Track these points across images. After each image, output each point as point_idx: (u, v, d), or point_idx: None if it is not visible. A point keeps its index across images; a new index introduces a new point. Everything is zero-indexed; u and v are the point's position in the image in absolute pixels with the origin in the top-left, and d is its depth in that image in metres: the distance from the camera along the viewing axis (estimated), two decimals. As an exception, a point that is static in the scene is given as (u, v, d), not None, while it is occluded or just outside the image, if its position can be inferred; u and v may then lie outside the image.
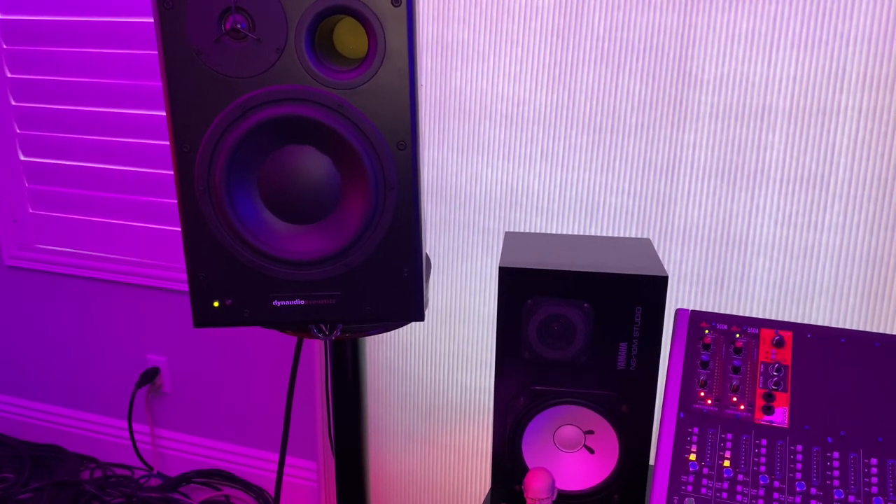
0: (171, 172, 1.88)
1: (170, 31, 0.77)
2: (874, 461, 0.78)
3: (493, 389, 1.57)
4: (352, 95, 0.80)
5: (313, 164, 0.84)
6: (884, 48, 1.17)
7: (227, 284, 0.86)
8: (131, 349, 2.09)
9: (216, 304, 0.86)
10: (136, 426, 2.13)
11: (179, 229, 1.91)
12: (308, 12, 0.77)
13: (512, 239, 1.04)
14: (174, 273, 1.96)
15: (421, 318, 0.89)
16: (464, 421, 1.62)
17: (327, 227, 0.85)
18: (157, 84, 1.83)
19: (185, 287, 1.95)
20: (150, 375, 2.05)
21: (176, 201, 1.90)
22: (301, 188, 0.84)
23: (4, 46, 1.93)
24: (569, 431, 0.97)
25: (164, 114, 1.85)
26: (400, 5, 0.77)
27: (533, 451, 0.98)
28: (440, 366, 1.61)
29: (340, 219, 0.85)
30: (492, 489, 1.00)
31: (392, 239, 0.85)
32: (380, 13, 0.77)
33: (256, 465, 2.06)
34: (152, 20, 1.77)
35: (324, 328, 0.94)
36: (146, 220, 1.96)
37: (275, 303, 0.87)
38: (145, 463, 2.13)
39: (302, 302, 0.87)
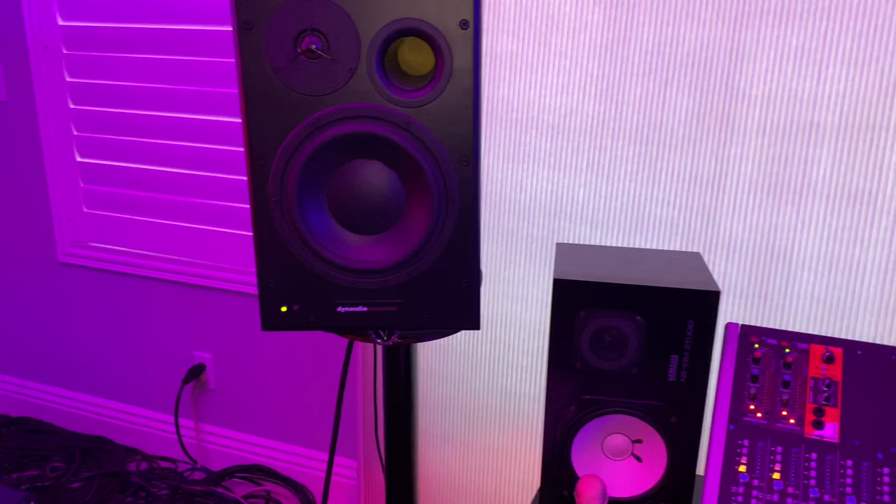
0: (221, 175, 1.94)
1: (249, 50, 0.81)
2: (924, 478, 0.80)
3: (532, 395, 1.60)
4: (418, 113, 0.84)
5: (379, 177, 0.87)
6: (936, 66, 1.18)
7: (295, 290, 0.90)
8: (178, 346, 2.15)
9: (284, 308, 0.90)
10: (181, 420, 2.20)
11: (227, 230, 1.97)
12: (380, 34, 0.81)
13: (564, 250, 1.06)
14: (222, 273, 2.02)
15: (477, 326, 0.93)
16: (504, 425, 1.64)
17: (391, 237, 0.89)
18: (209, 90, 1.89)
19: (232, 286, 2.01)
20: (196, 372, 2.11)
21: (223, 203, 1.96)
22: (367, 200, 0.88)
23: (65, 52, 2.00)
24: (617, 440, 1.00)
25: (215, 118, 1.91)
26: (468, 28, 0.80)
27: (581, 457, 1.01)
28: (482, 370, 1.64)
29: (404, 230, 0.89)
30: (540, 494, 1.03)
31: (452, 250, 0.89)
32: (448, 35, 0.81)
33: (297, 461, 2.11)
34: (206, 28, 1.83)
35: (382, 334, 0.98)
36: (195, 221, 2.02)
37: (339, 309, 0.91)
38: (189, 457, 2.19)
39: (364, 308, 0.91)
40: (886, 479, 0.80)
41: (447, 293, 0.91)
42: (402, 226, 0.89)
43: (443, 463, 1.72)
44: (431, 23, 0.80)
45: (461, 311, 0.92)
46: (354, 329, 0.95)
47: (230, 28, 1.83)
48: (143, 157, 2.02)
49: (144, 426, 2.27)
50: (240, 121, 1.89)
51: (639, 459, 1.00)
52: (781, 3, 1.25)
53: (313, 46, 0.81)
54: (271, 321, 0.91)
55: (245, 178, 1.92)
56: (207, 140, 1.94)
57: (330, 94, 0.83)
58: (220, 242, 2.01)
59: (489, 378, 1.63)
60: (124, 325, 2.21)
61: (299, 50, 0.81)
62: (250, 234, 1.97)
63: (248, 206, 1.95)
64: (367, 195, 0.88)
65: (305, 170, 0.85)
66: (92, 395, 2.33)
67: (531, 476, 1.63)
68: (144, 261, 2.10)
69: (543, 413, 1.59)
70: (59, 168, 2.11)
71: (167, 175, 2.01)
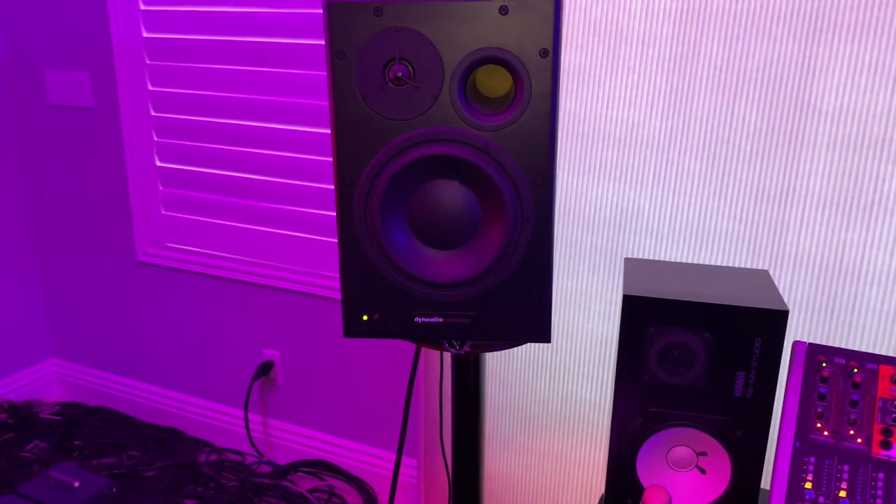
0: (292, 181, 2.01)
1: (341, 78, 0.87)
2: None
3: (593, 401, 1.63)
4: (497, 136, 0.88)
5: (458, 196, 0.92)
6: None
7: (376, 301, 0.95)
8: (248, 343, 2.24)
9: (365, 318, 0.96)
10: (249, 415, 2.29)
11: (296, 234, 2.04)
12: (463, 62, 0.85)
13: (632, 266, 1.09)
14: (291, 274, 2.10)
15: (548, 339, 0.96)
16: (564, 430, 1.68)
17: (467, 253, 0.93)
18: (285, 100, 1.97)
19: (301, 288, 2.09)
20: (265, 369, 2.20)
21: (293, 208, 2.03)
22: (445, 218, 0.93)
23: (148, 62, 2.11)
24: (682, 452, 1.02)
25: (288, 127, 1.98)
26: (547, 56, 0.84)
27: (646, 468, 1.03)
28: (541, 376, 1.67)
29: (480, 246, 0.93)
30: (605, 502, 1.06)
31: (525, 266, 0.93)
32: (528, 64, 0.85)
33: (359, 457, 2.17)
34: (283, 40, 1.90)
35: (455, 343, 1.02)
36: (267, 225, 2.10)
37: (416, 319, 0.96)
38: (257, 450, 2.29)
39: (440, 319, 0.96)
40: (956, 502, 0.81)
41: (520, 307, 0.95)
42: (478, 242, 0.93)
43: (504, 465, 1.77)
44: (512, 52, 0.84)
45: (533, 325, 0.96)
46: (429, 338, 1.00)
47: (307, 41, 1.90)
48: (218, 162, 2.12)
49: (214, 419, 2.37)
50: (311, 129, 1.96)
51: (703, 472, 1.02)
52: (855, 18, 1.25)
53: (400, 74, 0.86)
54: (353, 329, 0.96)
55: (314, 185, 2.00)
56: (279, 147, 2.02)
57: (414, 119, 0.87)
58: (290, 245, 2.09)
59: (550, 384, 1.67)
60: (197, 323, 2.31)
61: (387, 78, 0.86)
62: (319, 238, 2.04)
63: (317, 210, 2.02)
64: (446, 213, 0.92)
65: (389, 189, 0.90)
66: (165, 388, 2.45)
67: (593, 481, 1.66)
68: (218, 261, 2.19)
69: (604, 419, 1.62)
70: (140, 172, 2.23)
71: (240, 180, 2.10)
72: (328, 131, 1.94)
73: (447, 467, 1.53)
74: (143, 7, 2.07)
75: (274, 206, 2.07)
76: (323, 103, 1.93)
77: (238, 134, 2.06)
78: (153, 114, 2.15)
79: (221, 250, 2.20)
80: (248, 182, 2.08)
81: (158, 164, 2.20)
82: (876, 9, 1.23)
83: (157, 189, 2.23)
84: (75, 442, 2.34)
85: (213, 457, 2.32)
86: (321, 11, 1.86)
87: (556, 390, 1.66)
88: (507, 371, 1.71)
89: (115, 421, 2.48)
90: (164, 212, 2.25)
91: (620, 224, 1.51)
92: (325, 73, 1.90)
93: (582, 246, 1.55)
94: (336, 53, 0.86)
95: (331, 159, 1.94)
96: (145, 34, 2.09)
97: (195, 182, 2.17)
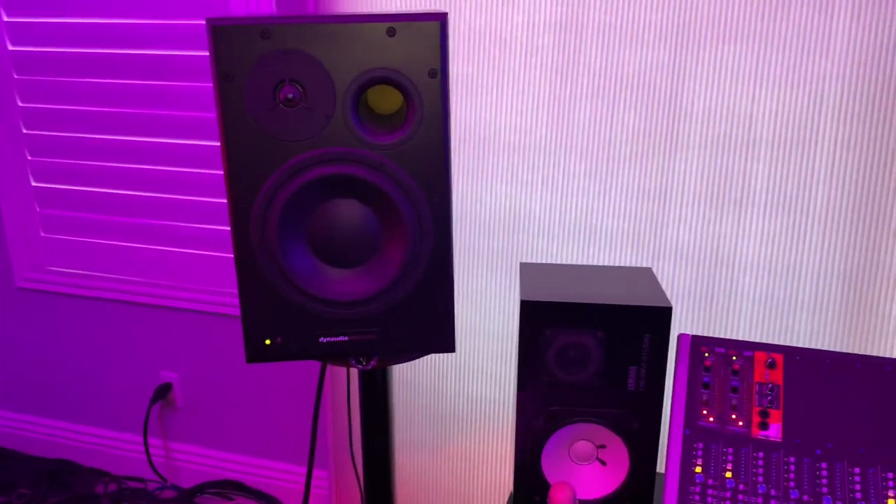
0: (179, 196, 1.96)
1: (229, 100, 0.86)
2: (857, 470, 0.90)
3: (498, 399, 1.67)
4: (392, 154, 0.89)
5: (356, 214, 0.93)
6: (856, 87, 1.29)
7: (278, 324, 0.95)
8: (144, 366, 2.16)
9: (268, 341, 0.95)
10: (149, 440, 2.20)
11: (186, 250, 1.98)
12: (353, 83, 0.86)
13: (527, 270, 1.13)
14: (183, 293, 2.04)
15: (452, 349, 0.99)
16: (472, 429, 1.71)
17: (369, 270, 0.94)
18: (164, 113, 1.90)
19: (194, 306, 2.03)
20: (163, 391, 2.12)
21: (182, 224, 1.97)
22: (345, 236, 0.93)
23: (15, 77, 1.99)
24: (583, 446, 1.07)
25: (170, 140, 1.92)
26: (436, 77, 0.86)
27: (551, 464, 1.08)
28: (447, 377, 1.70)
29: (381, 262, 0.94)
30: (514, 501, 1.10)
31: (427, 279, 0.95)
32: (418, 84, 0.86)
33: (266, 474, 2.14)
34: (159, 52, 1.84)
35: (362, 360, 1.03)
36: (155, 243, 2.03)
37: (321, 339, 0.96)
38: (159, 475, 2.20)
39: (346, 338, 0.96)
40: (824, 473, 0.90)
41: (424, 320, 0.97)
42: (379, 259, 0.94)
43: (415, 467, 1.79)
44: (402, 72, 0.86)
45: (437, 336, 0.98)
46: (335, 357, 1.01)
47: (187, 52, 1.84)
48: (100, 180, 2.02)
49: (111, 447, 2.27)
50: (196, 142, 1.91)
51: (603, 463, 1.07)
52: (717, 28, 1.34)
53: (291, 96, 0.86)
54: (256, 354, 0.96)
55: (202, 199, 1.95)
56: (163, 162, 1.95)
57: (308, 140, 0.87)
58: (181, 263, 2.03)
59: (455, 385, 1.70)
60: (87, 348, 2.20)
61: (278, 99, 0.86)
62: (210, 253, 1.99)
63: (206, 226, 1.97)
64: (346, 231, 0.93)
65: (285, 211, 0.90)
66: (56, 420, 2.32)
67: (502, 478, 1.71)
68: (104, 283, 2.10)
69: (510, 416, 1.67)
70: (13, 193, 2.10)
71: (125, 198, 2.01)
72: (215, 143, 1.90)
73: (358, 477, 1.53)
74: (6, 18, 1.95)
75: (161, 222, 2.00)
76: (206, 115, 1.88)
77: (120, 149, 1.97)
78: (25, 131, 2.03)
79: (108, 271, 2.10)
80: (134, 199, 2.00)
81: (34, 183, 2.08)
82: (734, 20, 1.33)
83: (35, 210, 2.11)
84: (-44, 485, 2.18)
85: (112, 486, 2.22)
86: (198, 23, 1.81)
87: (462, 390, 1.70)
88: (413, 374, 1.73)
89: (1, 458, 2.33)
90: (43, 234, 2.13)
91: (513, 226, 1.55)
92: (207, 84, 1.85)
93: (478, 248, 1.59)
94: (223, 76, 0.85)
95: (219, 172, 1.89)
96: (11, 47, 1.96)
97: (76, 201, 2.06)
